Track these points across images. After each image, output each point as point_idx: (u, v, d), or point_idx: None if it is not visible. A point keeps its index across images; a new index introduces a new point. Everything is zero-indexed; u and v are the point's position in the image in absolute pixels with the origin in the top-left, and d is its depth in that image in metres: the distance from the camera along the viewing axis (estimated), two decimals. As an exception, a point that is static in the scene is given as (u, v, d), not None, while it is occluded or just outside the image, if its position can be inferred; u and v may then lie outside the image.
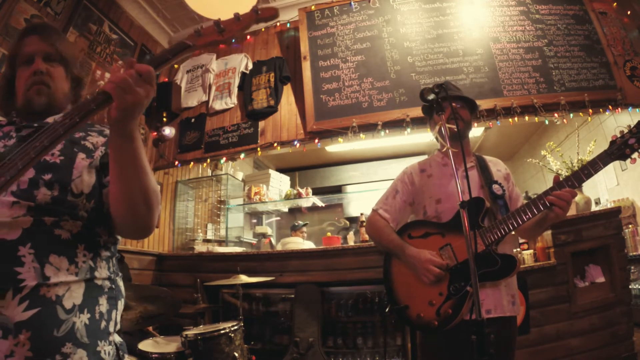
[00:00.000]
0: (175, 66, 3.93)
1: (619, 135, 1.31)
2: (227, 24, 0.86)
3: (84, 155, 0.92)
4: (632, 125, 1.30)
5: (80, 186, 0.87)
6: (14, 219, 0.78)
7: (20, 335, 0.73)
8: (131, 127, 0.78)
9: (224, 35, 0.86)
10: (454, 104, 1.54)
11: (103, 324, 0.87)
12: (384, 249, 1.61)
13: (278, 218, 5.08)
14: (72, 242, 0.84)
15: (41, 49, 0.99)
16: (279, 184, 4.41)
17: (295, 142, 3.21)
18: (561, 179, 1.35)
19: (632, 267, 3.26)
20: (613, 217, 2.48)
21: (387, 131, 3.02)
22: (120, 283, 0.97)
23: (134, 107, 0.74)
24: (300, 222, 4.00)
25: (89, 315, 0.83)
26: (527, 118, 2.92)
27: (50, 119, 0.98)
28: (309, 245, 3.57)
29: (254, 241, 4.34)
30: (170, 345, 2.15)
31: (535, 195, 1.42)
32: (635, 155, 1.28)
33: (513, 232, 1.49)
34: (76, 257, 0.84)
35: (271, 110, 3.36)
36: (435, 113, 1.38)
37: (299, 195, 3.99)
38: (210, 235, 3.88)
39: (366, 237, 2.80)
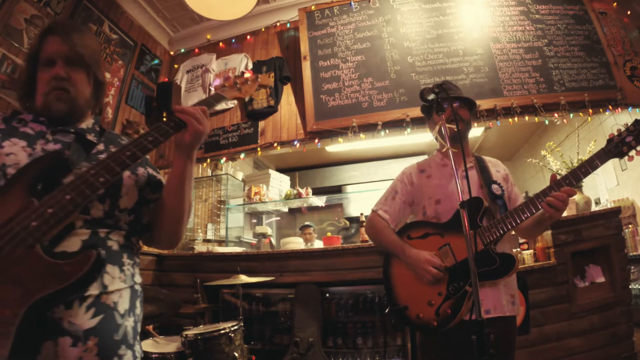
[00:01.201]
0: (175, 66, 3.93)
1: (616, 134, 1.31)
2: (240, 84, 1.14)
3: (128, 173, 0.97)
4: (629, 124, 1.30)
5: (126, 203, 0.94)
6: (74, 231, 0.82)
7: (88, 342, 0.79)
8: (195, 151, 0.96)
9: (242, 93, 1.14)
10: (454, 105, 1.54)
11: (139, 325, 0.94)
12: (383, 250, 1.60)
13: (278, 218, 5.08)
14: (119, 252, 0.92)
15: (62, 52, 0.96)
16: (279, 184, 4.41)
17: (295, 142, 3.21)
18: (559, 177, 1.35)
19: (632, 267, 3.26)
20: (613, 217, 2.48)
21: (387, 131, 3.02)
22: None
23: (202, 134, 0.93)
24: (307, 223, 4.01)
25: (133, 319, 0.92)
26: (527, 118, 2.92)
27: (83, 125, 1.00)
28: (318, 244, 3.59)
29: (254, 241, 4.34)
30: (170, 345, 2.15)
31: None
32: (632, 152, 1.28)
33: (513, 233, 1.49)
34: (123, 265, 0.92)
35: (271, 110, 3.36)
36: (435, 113, 1.38)
37: (299, 195, 3.99)
38: (210, 235, 3.88)
39: (366, 237, 2.80)
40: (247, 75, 1.15)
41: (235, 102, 3.51)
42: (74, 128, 0.97)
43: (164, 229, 1.00)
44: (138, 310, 0.95)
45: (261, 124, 3.38)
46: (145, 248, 3.53)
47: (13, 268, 0.70)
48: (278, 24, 3.69)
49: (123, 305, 0.89)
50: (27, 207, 0.75)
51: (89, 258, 0.75)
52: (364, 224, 2.84)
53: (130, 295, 0.92)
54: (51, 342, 0.75)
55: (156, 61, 3.84)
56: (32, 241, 0.72)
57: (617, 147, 1.29)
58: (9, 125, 0.93)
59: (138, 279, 0.97)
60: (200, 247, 3.42)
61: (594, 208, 2.96)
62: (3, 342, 0.65)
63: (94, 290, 0.82)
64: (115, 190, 0.91)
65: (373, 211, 1.66)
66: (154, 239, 1.04)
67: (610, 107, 2.90)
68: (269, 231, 4.53)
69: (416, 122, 2.95)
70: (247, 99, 1.15)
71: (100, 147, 0.98)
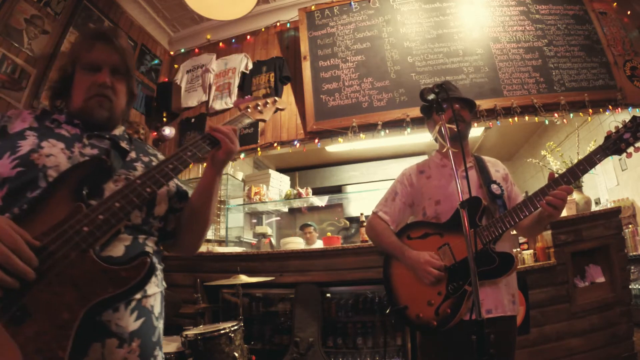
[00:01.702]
0: (175, 66, 3.93)
1: (614, 131, 1.31)
2: (262, 106, 1.21)
3: None
4: (627, 120, 1.29)
5: (159, 211, 0.98)
6: (119, 236, 0.85)
7: (132, 344, 0.83)
8: (224, 167, 1.02)
9: (263, 115, 1.21)
10: (456, 106, 1.54)
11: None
12: (384, 251, 1.61)
13: (278, 218, 5.08)
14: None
15: (110, 61, 0.98)
16: (279, 184, 4.41)
17: (295, 142, 3.21)
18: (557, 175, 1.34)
19: (632, 267, 3.26)
20: (613, 217, 2.48)
21: (387, 131, 3.02)
22: None
23: (233, 152, 0.99)
24: (307, 222, 4.01)
25: (162, 321, 0.96)
26: (527, 118, 2.92)
27: (116, 132, 1.02)
28: (319, 244, 3.59)
29: (254, 241, 4.33)
30: (170, 345, 2.14)
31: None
32: (630, 149, 1.27)
33: (514, 232, 1.48)
34: (156, 270, 0.94)
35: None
36: (435, 113, 1.37)
37: (299, 195, 3.98)
38: (210, 235, 3.88)
39: (366, 237, 2.80)
40: (268, 99, 1.25)
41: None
42: (109, 134, 0.99)
43: (188, 236, 1.05)
44: (163, 313, 0.99)
45: (261, 124, 3.38)
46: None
47: (69, 271, 0.72)
48: (278, 24, 3.69)
49: (157, 308, 0.92)
50: (77, 211, 0.76)
51: (145, 264, 0.77)
52: (364, 224, 2.84)
53: (161, 298, 0.96)
54: (99, 343, 0.77)
55: (156, 61, 3.84)
56: (86, 246, 0.74)
57: (614, 144, 1.28)
58: (43, 125, 0.93)
59: (164, 283, 1.01)
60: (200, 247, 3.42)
61: (594, 208, 2.97)
62: (63, 345, 0.67)
63: (137, 294, 0.85)
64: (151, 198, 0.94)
65: (373, 213, 1.66)
66: (177, 245, 1.08)
67: (610, 107, 2.90)
68: (269, 231, 4.52)
69: (416, 122, 2.95)
70: (267, 119, 1.24)
71: (133, 154, 1.00)
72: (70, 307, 0.70)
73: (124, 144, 1.00)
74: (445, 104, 1.39)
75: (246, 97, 3.38)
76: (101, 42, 0.98)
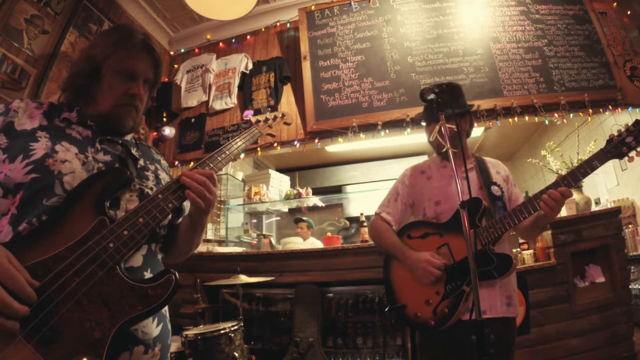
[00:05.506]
0: (175, 66, 3.93)
1: (616, 134, 1.30)
2: (271, 121, 1.23)
3: None
4: (629, 124, 1.29)
5: (165, 221, 0.98)
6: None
7: (155, 349, 0.85)
8: (206, 218, 0.97)
9: (272, 130, 1.23)
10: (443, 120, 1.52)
11: None
12: (385, 252, 1.61)
13: (278, 218, 5.08)
14: (161, 263, 0.99)
15: (147, 74, 0.98)
16: (279, 184, 4.41)
17: (295, 142, 3.21)
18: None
19: (632, 267, 3.26)
20: (613, 217, 2.48)
21: (387, 131, 3.02)
22: None
23: (209, 210, 0.92)
24: (303, 218, 3.98)
25: (170, 324, 0.97)
26: (527, 118, 2.92)
27: (127, 137, 1.02)
28: (316, 242, 3.57)
29: (254, 241, 4.33)
30: (170, 345, 2.14)
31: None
32: (632, 153, 1.26)
33: (513, 233, 1.48)
34: None
35: (271, 110, 3.36)
36: (433, 119, 1.37)
37: (299, 195, 3.98)
38: (210, 235, 3.88)
39: (366, 237, 2.80)
40: (277, 114, 1.30)
41: (236, 102, 3.52)
42: (121, 139, 0.97)
43: (180, 251, 1.07)
44: None
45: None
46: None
47: (97, 289, 0.72)
48: (278, 24, 3.69)
49: (167, 313, 0.96)
50: (101, 226, 0.76)
51: (170, 283, 0.78)
52: (365, 224, 2.84)
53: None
54: (127, 352, 0.79)
55: (156, 61, 3.83)
56: (113, 263, 0.75)
57: (616, 148, 1.27)
58: (53, 124, 0.89)
59: None
60: (200, 247, 3.42)
61: (594, 208, 2.96)
62: None
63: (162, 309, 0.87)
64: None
65: (376, 214, 1.67)
66: (168, 254, 1.08)
67: (610, 107, 2.90)
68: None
69: (416, 122, 2.94)
70: (275, 135, 1.28)
71: (141, 162, 0.99)
72: (101, 325, 0.70)
73: (134, 151, 0.99)
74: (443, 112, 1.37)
75: (253, 109, 3.38)
76: (144, 53, 0.97)
